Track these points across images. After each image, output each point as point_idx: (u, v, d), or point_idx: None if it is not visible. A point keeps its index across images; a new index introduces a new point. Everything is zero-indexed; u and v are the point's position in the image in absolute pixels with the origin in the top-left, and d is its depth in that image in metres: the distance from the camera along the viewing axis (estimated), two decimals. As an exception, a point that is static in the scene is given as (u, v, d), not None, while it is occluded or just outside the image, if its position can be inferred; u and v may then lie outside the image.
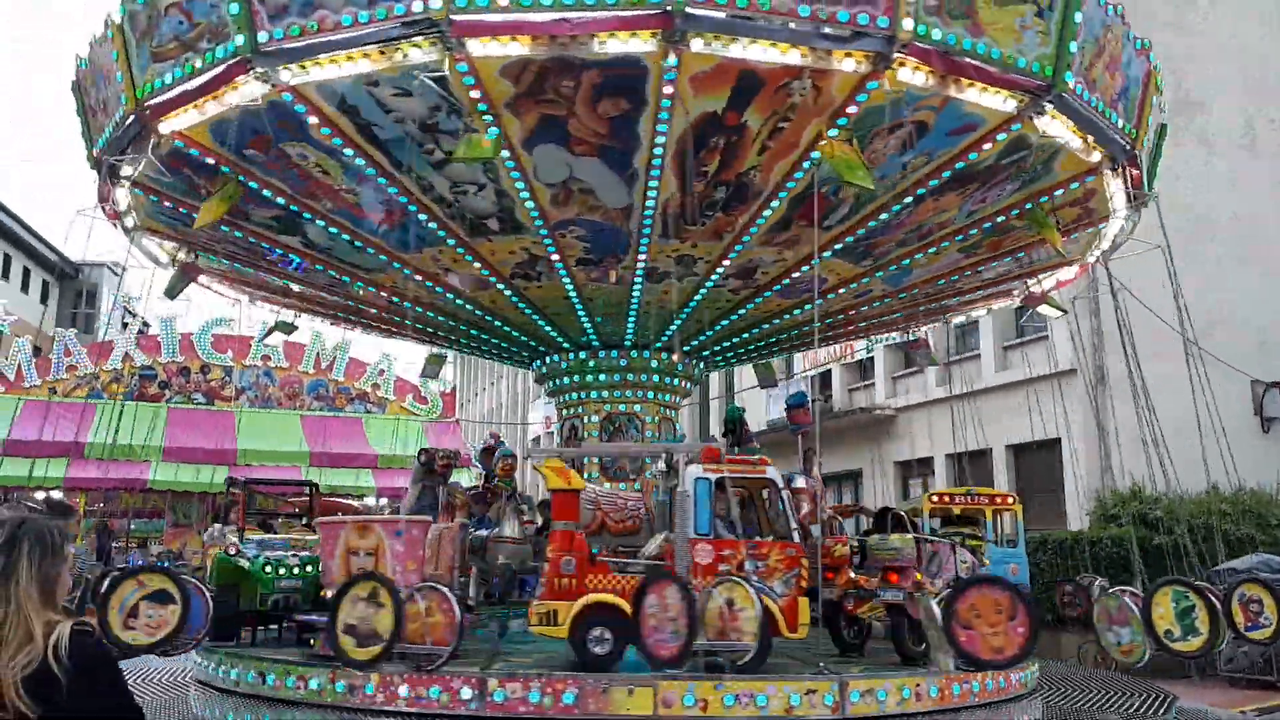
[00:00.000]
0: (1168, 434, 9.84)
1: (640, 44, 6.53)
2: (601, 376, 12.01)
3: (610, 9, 6.45)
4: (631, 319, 11.05)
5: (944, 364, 23.20)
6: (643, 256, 9.43)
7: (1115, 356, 11.65)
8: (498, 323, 11.59)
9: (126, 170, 8.79)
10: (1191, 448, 10.38)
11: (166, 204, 9.60)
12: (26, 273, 39.31)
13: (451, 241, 9.30)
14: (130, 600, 7.38)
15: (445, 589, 7.37)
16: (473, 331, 12.24)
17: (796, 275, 10.00)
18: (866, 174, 7.25)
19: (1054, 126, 7.71)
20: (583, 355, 12.02)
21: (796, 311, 11.28)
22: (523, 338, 12.10)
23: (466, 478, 16.58)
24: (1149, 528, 14.54)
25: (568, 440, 12.25)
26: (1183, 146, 19.41)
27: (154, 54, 7.71)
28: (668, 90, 6.89)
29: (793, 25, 6.59)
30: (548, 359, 12.47)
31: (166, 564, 14.28)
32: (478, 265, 9.80)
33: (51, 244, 38.93)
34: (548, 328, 11.46)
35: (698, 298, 10.49)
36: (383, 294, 11.01)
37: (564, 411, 12.46)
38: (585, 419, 11.98)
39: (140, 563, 22.04)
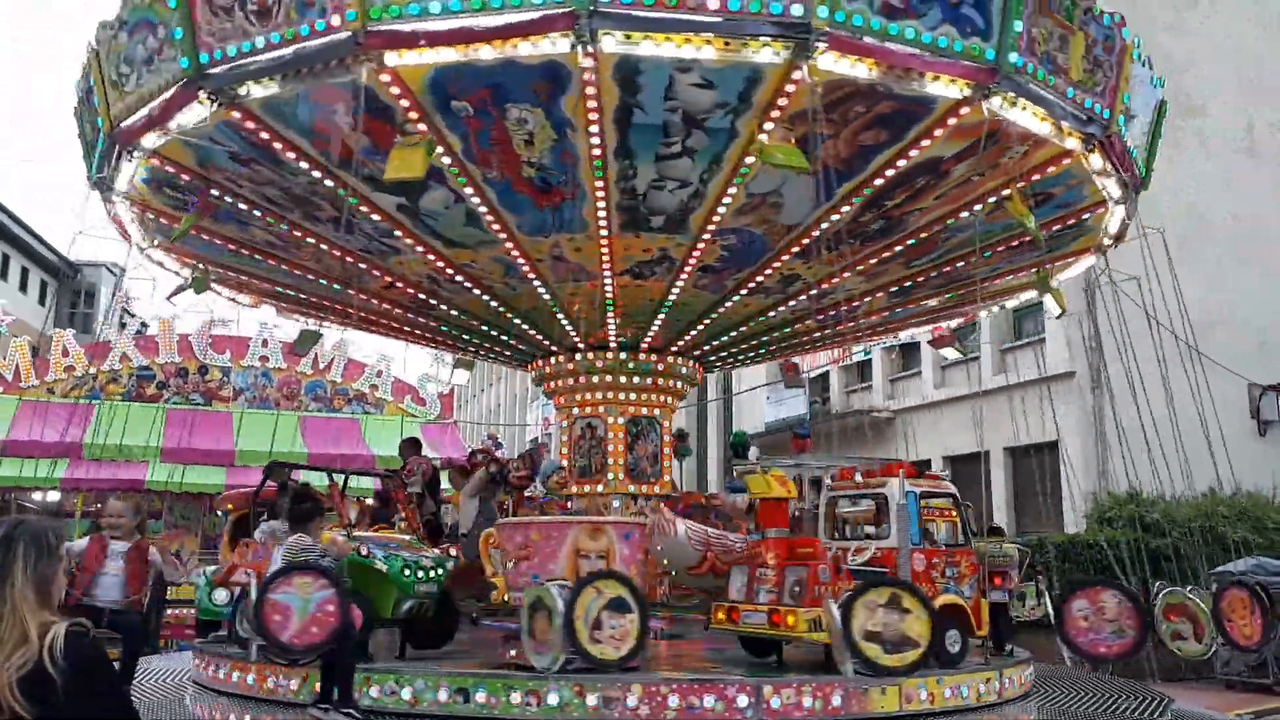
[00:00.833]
0: (1165, 437, 9.85)
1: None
2: (635, 379, 11.85)
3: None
4: (661, 320, 10.98)
5: (942, 366, 23.25)
6: (769, 271, 9.68)
7: (1113, 359, 11.63)
8: (517, 319, 11.25)
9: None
10: (1189, 451, 10.40)
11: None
12: (25, 272, 39.30)
13: (599, 230, 8.89)
14: (592, 611, 6.75)
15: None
16: (483, 328, 11.85)
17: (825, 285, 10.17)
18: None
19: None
20: (614, 356, 11.74)
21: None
22: (542, 336, 11.73)
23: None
24: (1146, 530, 14.56)
25: (578, 441, 11.91)
26: (1181, 148, 19.47)
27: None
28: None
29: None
30: (554, 359, 12.14)
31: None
32: (604, 255, 9.36)
33: (50, 244, 38.94)
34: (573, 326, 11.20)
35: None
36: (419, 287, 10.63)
37: (573, 411, 12.17)
38: (609, 420, 11.77)
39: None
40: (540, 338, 11.79)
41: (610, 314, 10.70)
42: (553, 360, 12.20)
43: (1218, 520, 14.89)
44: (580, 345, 11.75)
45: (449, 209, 8.68)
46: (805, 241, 9.19)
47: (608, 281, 9.81)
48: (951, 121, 7.32)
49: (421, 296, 10.89)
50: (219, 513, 15.55)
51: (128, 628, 7.13)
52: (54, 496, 20.65)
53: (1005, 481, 20.63)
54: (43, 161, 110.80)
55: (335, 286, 10.72)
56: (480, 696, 6.98)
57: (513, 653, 7.66)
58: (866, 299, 11.20)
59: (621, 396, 11.86)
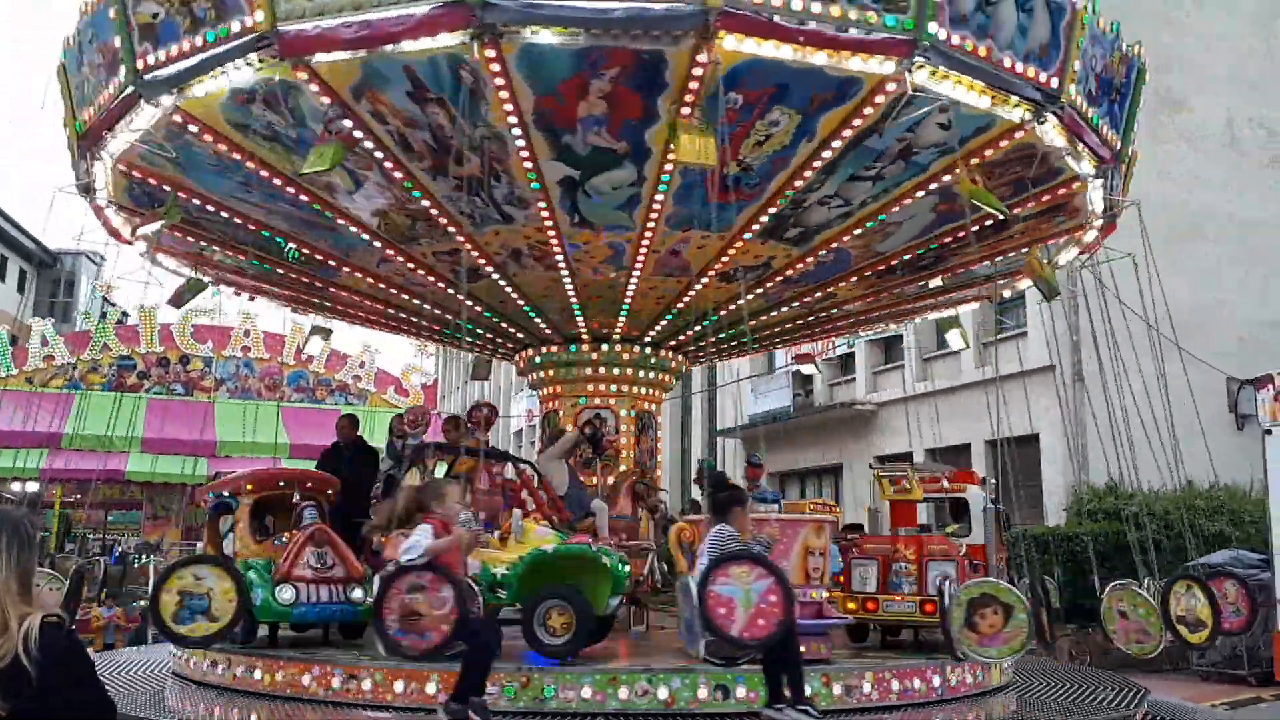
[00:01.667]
0: (1144, 430, 9.91)
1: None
2: (641, 372, 11.79)
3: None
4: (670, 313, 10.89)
5: (924, 359, 23.32)
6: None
7: (1092, 353, 11.68)
8: (525, 308, 10.98)
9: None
10: (1167, 444, 10.45)
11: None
12: (3, 261, 38.88)
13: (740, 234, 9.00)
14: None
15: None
16: (485, 314, 11.34)
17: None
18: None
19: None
20: (608, 347, 11.60)
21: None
22: (543, 325, 11.46)
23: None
24: (1124, 523, 14.66)
25: (580, 433, 11.39)
26: (1166, 144, 19.56)
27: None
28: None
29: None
30: (547, 349, 11.90)
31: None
32: (724, 258, 9.50)
33: (29, 231, 38.50)
34: (579, 315, 10.99)
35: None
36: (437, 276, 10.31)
37: (550, 403, 12.02)
38: (618, 413, 11.66)
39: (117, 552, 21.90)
40: (544, 326, 11.47)
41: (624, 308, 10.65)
42: (544, 350, 11.95)
43: (1196, 513, 15.00)
44: (584, 335, 11.51)
45: (617, 190, 8.32)
46: (883, 265, 9.83)
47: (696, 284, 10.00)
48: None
49: (441, 285, 10.41)
50: (199, 503, 15.39)
51: None
52: (33, 487, 20.46)
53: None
54: (43, 162, 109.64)
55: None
56: (740, 692, 6.79)
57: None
58: (868, 299, 11.42)
59: (626, 389, 11.79)
